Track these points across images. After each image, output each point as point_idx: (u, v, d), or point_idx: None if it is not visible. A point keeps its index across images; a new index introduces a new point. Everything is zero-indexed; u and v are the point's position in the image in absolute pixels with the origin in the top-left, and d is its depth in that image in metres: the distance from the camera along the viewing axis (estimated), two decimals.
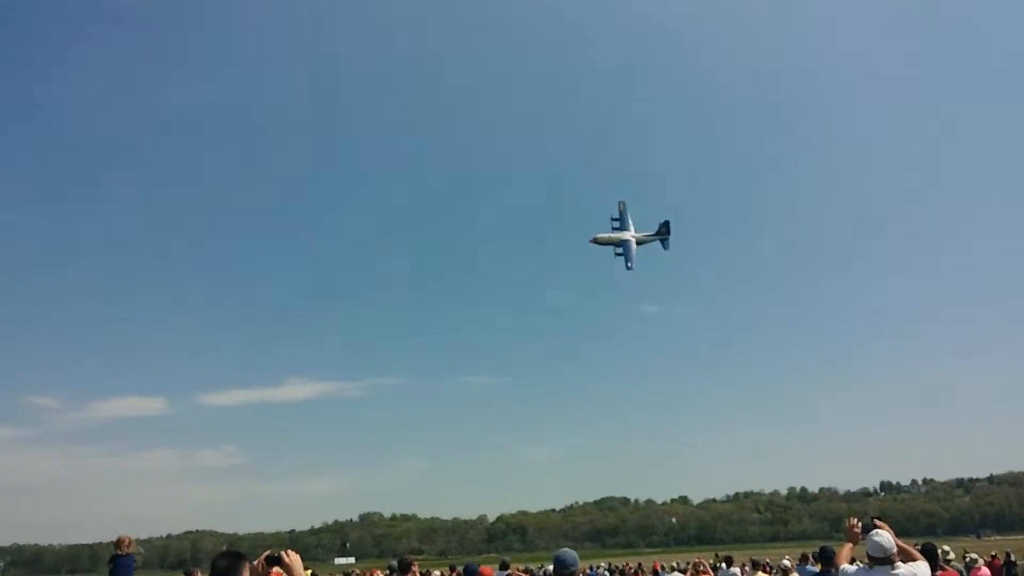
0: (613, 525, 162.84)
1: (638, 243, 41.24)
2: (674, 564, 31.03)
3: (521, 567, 24.86)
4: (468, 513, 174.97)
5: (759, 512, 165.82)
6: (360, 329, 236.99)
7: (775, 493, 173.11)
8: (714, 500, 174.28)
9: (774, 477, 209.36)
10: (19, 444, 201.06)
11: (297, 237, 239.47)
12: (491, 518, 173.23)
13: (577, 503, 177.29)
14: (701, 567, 12.19)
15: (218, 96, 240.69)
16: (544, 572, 26.08)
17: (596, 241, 41.40)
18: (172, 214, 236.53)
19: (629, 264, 40.69)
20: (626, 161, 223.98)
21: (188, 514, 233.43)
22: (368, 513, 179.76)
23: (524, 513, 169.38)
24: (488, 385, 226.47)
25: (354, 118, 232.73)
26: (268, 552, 4.20)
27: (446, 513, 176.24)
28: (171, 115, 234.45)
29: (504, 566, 14.98)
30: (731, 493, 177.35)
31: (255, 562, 4.09)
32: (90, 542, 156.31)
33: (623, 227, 41.38)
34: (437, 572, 25.74)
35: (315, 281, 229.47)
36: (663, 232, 41.98)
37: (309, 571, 30.92)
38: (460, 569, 16.38)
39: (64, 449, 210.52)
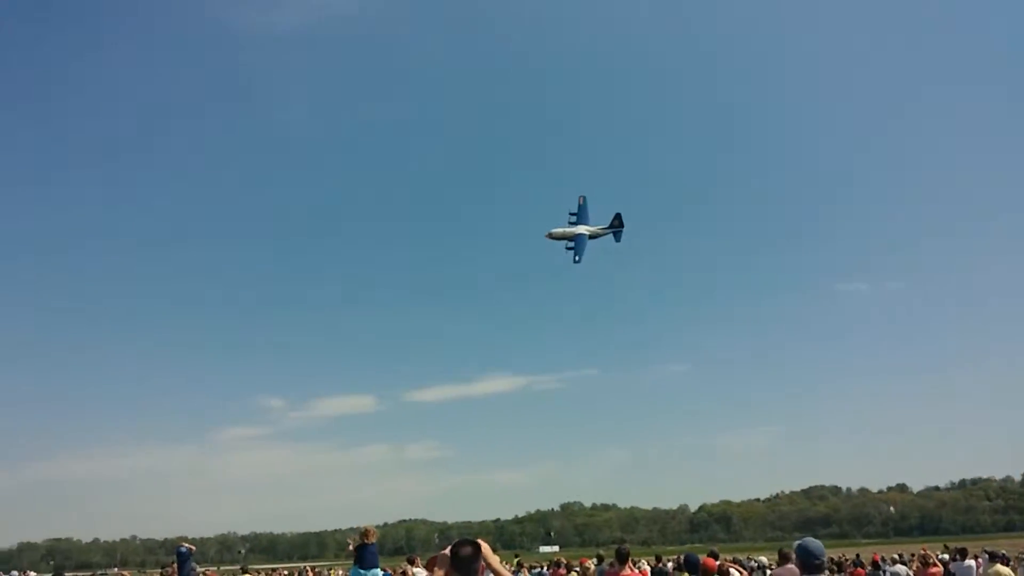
0: (824, 514, 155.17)
1: (591, 236, 40.70)
2: (895, 556, 29.61)
3: (729, 558, 24.96)
4: (668, 503, 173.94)
5: (989, 500, 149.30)
6: (551, 323, 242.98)
7: (1007, 479, 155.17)
8: (936, 488, 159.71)
9: (1005, 462, 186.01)
10: (254, 442, 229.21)
11: (485, 235, 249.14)
12: (692, 508, 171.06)
13: (783, 492, 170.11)
14: (930, 559, 11.52)
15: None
16: (756, 564, 25.98)
17: (551, 236, 41.00)
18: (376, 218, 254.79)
19: (577, 258, 40.26)
20: None
21: (401, 504, 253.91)
22: (568, 503, 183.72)
23: (727, 503, 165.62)
24: (685, 373, 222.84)
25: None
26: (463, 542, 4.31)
27: (646, 503, 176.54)
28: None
29: (714, 556, 15.52)
30: (955, 480, 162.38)
31: (446, 550, 4.26)
32: (316, 530, 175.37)
33: (579, 221, 41.11)
34: (644, 562, 26.46)
35: (505, 275, 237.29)
36: (616, 225, 41.10)
37: (516, 558, 32.78)
38: (678, 559, 17.01)
39: (291, 446, 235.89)
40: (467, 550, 4.08)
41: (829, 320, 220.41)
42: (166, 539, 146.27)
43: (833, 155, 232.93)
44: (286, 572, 53.89)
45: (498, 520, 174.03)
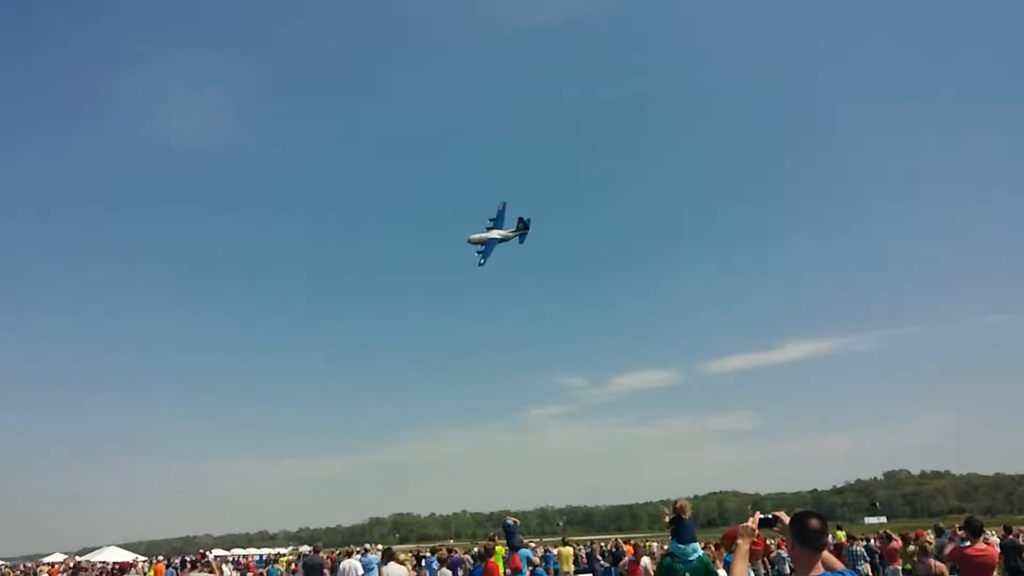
0: None
1: (501, 240, 42.11)
2: None
3: None
4: (1014, 467, 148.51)
5: None
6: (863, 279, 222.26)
7: None
8: None
9: None
10: (559, 420, 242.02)
11: None
12: None
13: None
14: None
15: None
16: None
17: (469, 241, 42.61)
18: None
19: (481, 261, 41.82)
20: None
21: (708, 476, 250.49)
22: (893, 471, 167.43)
23: None
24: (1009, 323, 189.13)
25: None
26: (759, 514, 4.09)
27: (985, 468, 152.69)
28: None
29: None
30: None
31: (750, 521, 4.02)
32: (628, 503, 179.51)
33: (496, 226, 42.48)
34: (991, 533, 22.48)
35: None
36: (521, 228, 42.32)
37: (842, 531, 30.49)
38: None
39: (592, 421, 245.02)
40: (818, 523, 3.58)
41: None
42: (492, 512, 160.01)
43: None
44: (603, 543, 55.98)
45: (815, 490, 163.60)
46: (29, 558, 69.01)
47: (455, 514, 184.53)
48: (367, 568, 19.01)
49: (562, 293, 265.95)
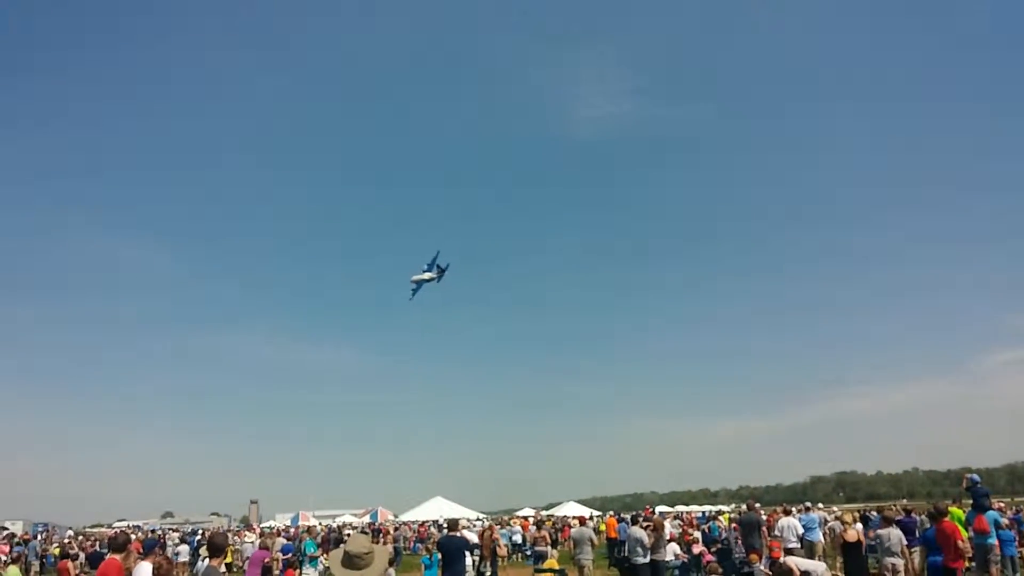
0: None
1: (427, 281, 53.90)
2: None
3: None
4: None
5: None
6: None
7: None
8: None
9: None
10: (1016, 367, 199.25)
11: None
12: None
13: None
14: None
15: None
16: None
17: (412, 281, 54.53)
18: None
19: (410, 297, 55.15)
20: None
21: None
22: None
23: None
24: None
25: None
26: None
27: None
28: None
29: None
30: None
31: None
32: None
33: (429, 269, 54.00)
34: None
35: None
36: (440, 271, 53.73)
37: None
38: None
39: None
40: None
41: None
42: (949, 470, 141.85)
43: None
44: None
45: None
46: (506, 512, 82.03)
47: (905, 472, 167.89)
48: (807, 527, 18.30)
49: None
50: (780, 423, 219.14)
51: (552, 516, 57.72)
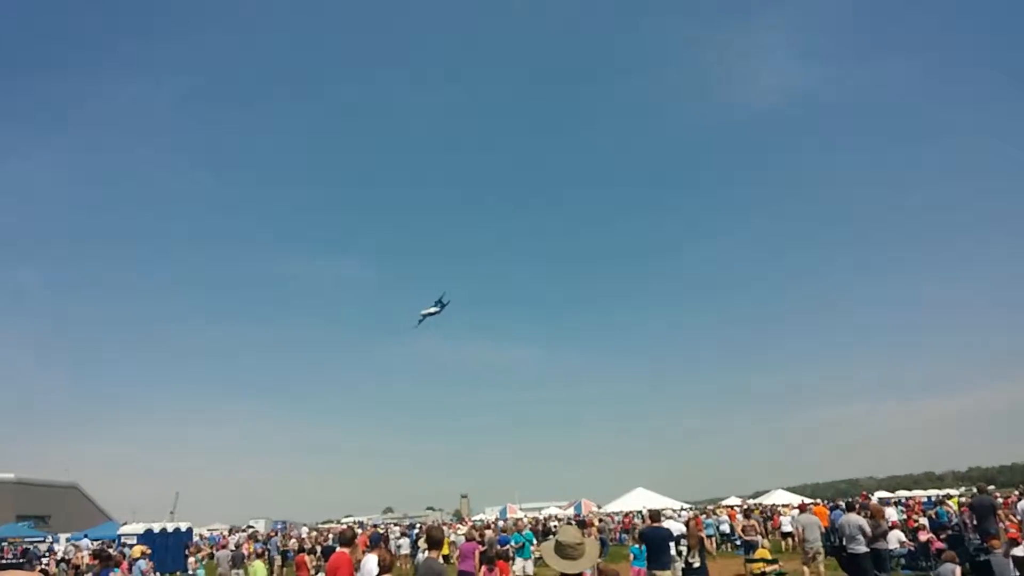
0: None
1: (432, 314, 64.84)
2: None
3: None
4: None
5: None
6: None
7: None
8: None
9: None
10: None
11: None
12: None
13: None
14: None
15: None
16: None
17: (421, 313, 65.56)
18: None
19: (415, 325, 66.20)
20: None
21: None
22: None
23: None
24: None
25: None
26: None
27: None
28: None
29: None
30: None
31: None
32: None
33: (435, 305, 64.95)
34: None
35: None
36: (442, 305, 64.85)
37: None
38: None
39: None
40: None
41: None
42: None
43: None
44: None
45: None
46: (710, 501, 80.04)
47: None
48: None
49: None
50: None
51: (760, 504, 55.80)
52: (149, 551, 18.28)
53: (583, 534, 4.45)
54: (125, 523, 45.17)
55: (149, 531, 36.63)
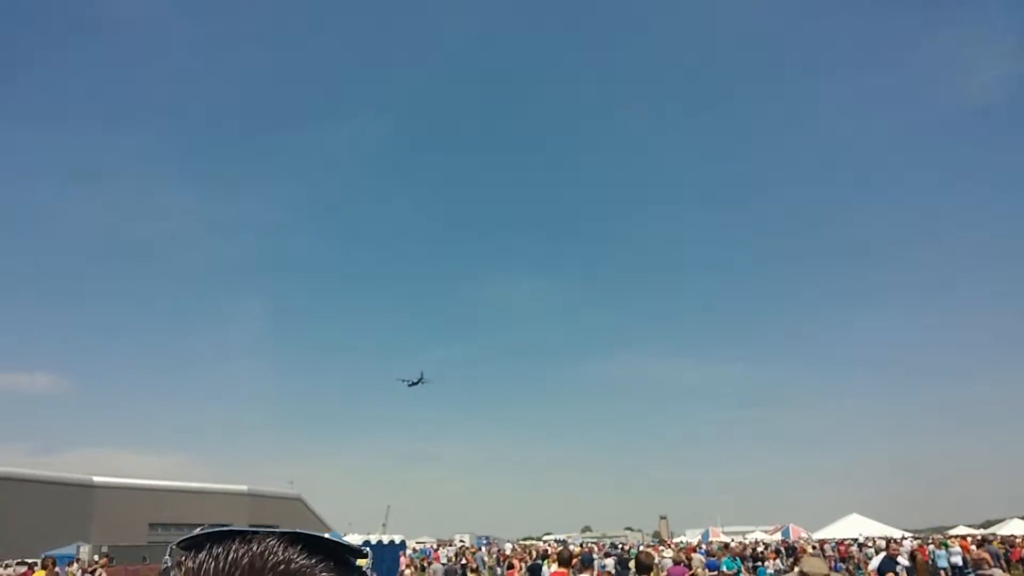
0: None
1: (413, 383, 73.79)
2: None
3: None
4: None
5: None
6: None
7: None
8: None
9: None
10: None
11: None
12: None
13: None
14: None
15: None
16: None
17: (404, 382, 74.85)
18: None
19: (407, 386, 74.22)
20: None
21: None
22: None
23: None
24: None
25: None
26: None
27: None
28: None
29: None
30: None
31: None
32: None
33: (418, 379, 73.59)
34: None
35: None
36: (421, 380, 73.56)
37: None
38: None
39: None
40: None
41: None
42: None
43: None
44: None
45: None
46: (935, 530, 71.62)
47: None
48: None
49: None
50: None
51: (995, 535, 49.18)
52: (371, 561, 19.90)
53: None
54: (346, 534, 49.31)
55: (367, 542, 39.69)
